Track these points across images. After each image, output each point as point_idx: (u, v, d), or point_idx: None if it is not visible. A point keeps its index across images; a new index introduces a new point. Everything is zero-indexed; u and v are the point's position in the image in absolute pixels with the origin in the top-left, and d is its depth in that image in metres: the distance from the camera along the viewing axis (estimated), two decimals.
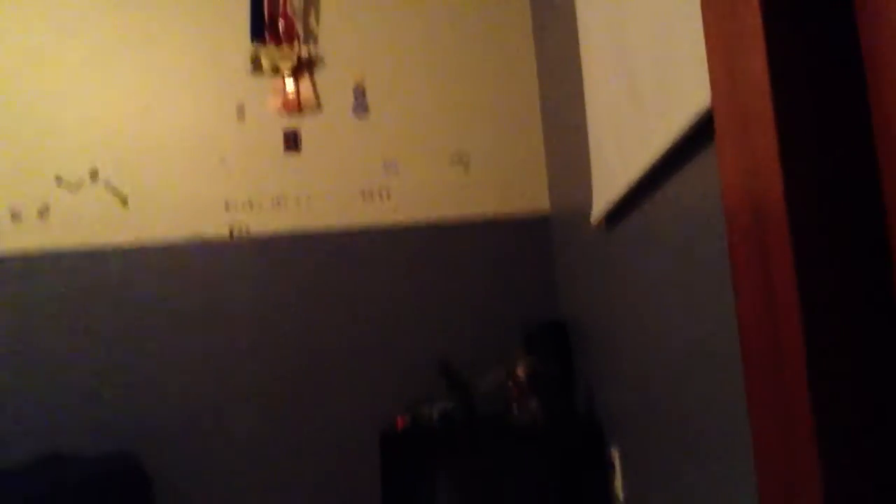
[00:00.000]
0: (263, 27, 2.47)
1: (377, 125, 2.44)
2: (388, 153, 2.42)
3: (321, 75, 2.48)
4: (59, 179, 2.45)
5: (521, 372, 1.80)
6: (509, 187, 2.39)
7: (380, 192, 2.40)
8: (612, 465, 1.61)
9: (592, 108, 1.49)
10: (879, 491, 0.56)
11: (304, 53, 2.46)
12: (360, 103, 2.45)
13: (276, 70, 2.46)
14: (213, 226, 2.41)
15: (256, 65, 2.48)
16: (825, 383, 0.56)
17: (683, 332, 1.04)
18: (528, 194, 2.38)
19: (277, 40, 2.47)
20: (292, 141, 2.44)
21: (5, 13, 2.55)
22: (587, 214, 1.74)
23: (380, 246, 2.37)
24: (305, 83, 2.46)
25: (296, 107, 2.45)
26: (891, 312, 0.57)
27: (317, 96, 2.46)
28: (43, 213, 2.44)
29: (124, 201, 2.44)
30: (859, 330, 0.57)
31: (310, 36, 2.50)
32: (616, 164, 1.30)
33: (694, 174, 0.96)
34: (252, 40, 2.48)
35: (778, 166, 0.58)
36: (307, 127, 2.45)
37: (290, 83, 2.46)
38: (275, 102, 2.46)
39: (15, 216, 2.44)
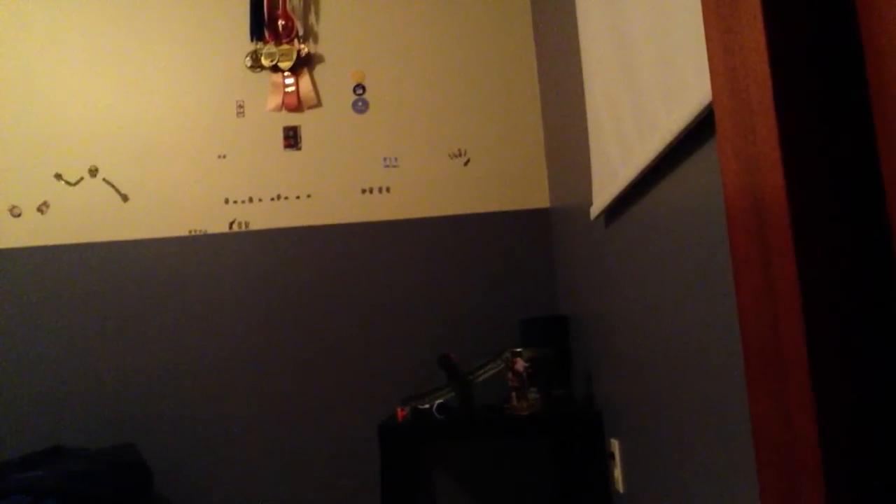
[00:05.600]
0: (263, 25, 2.47)
1: (377, 122, 2.44)
2: (387, 150, 2.43)
3: (321, 72, 2.48)
4: (58, 176, 2.46)
5: (520, 363, 1.81)
6: (509, 183, 2.39)
7: (380, 189, 2.41)
8: (612, 457, 1.62)
9: (592, 103, 1.49)
10: (882, 483, 0.56)
11: (304, 51, 2.47)
12: (360, 100, 2.45)
13: (275, 68, 2.47)
14: (213, 222, 2.41)
15: (256, 62, 2.48)
16: (827, 377, 0.57)
17: (684, 325, 1.05)
18: (528, 189, 2.39)
19: (277, 38, 2.48)
20: (292, 138, 2.45)
21: (4, 12, 2.54)
22: (587, 209, 1.75)
23: (379, 239, 2.38)
24: (305, 80, 2.46)
25: (295, 104, 2.45)
26: (893, 305, 0.57)
27: (317, 93, 2.47)
28: (43, 209, 2.44)
29: (124, 197, 2.44)
30: (861, 323, 0.57)
31: (309, 33, 2.50)
32: (616, 160, 1.31)
33: (694, 169, 0.97)
34: (252, 38, 2.48)
35: (779, 160, 0.59)
36: (307, 124, 2.45)
37: (289, 80, 2.46)
38: (274, 100, 2.46)
39: (15, 213, 2.44)
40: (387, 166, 2.42)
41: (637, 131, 1.16)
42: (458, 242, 2.37)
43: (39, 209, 2.45)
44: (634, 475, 1.45)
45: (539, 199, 2.38)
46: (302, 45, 2.48)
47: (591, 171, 1.55)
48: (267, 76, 2.48)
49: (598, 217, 1.55)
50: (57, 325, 2.38)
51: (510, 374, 1.85)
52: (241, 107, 2.47)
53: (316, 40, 2.50)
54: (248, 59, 2.49)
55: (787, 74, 0.59)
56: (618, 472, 1.58)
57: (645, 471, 1.36)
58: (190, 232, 2.41)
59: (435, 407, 1.82)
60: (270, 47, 2.47)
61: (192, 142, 2.46)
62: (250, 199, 2.42)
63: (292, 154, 2.44)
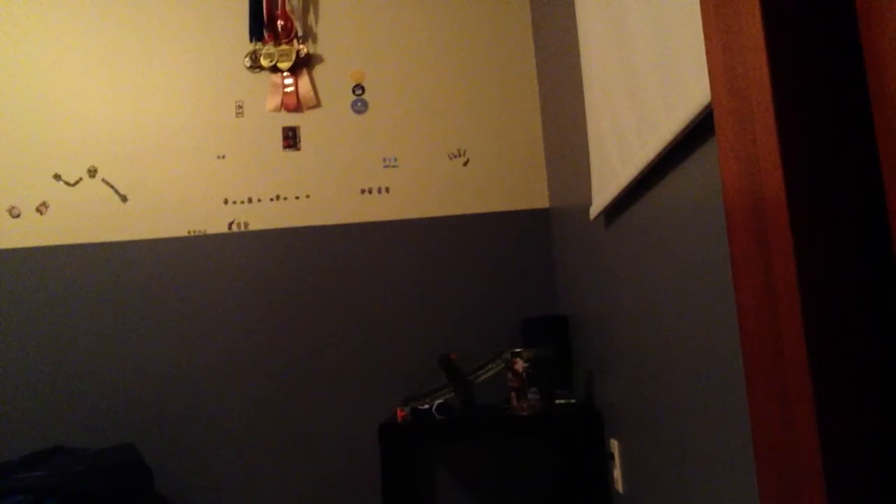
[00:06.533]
0: (262, 26, 2.47)
1: (376, 122, 2.44)
2: (387, 150, 2.43)
3: (320, 73, 2.48)
4: (57, 177, 2.46)
5: (519, 364, 1.81)
6: (508, 183, 2.39)
7: (379, 189, 2.41)
8: (612, 457, 1.62)
9: (591, 103, 1.49)
10: (882, 483, 0.56)
11: (303, 51, 2.47)
12: (360, 100, 2.45)
13: (274, 68, 2.47)
14: (213, 222, 2.41)
15: (255, 63, 2.48)
16: (827, 377, 0.57)
17: (684, 325, 1.05)
18: (528, 190, 2.39)
19: (276, 38, 2.48)
20: (291, 138, 2.45)
21: (3, 12, 2.54)
22: (586, 209, 1.75)
23: (379, 240, 2.38)
24: (304, 81, 2.46)
25: (295, 104, 2.45)
26: (893, 305, 0.57)
27: (316, 94, 2.47)
28: (42, 209, 2.44)
29: (123, 198, 2.44)
30: (861, 323, 0.57)
31: (308, 34, 2.50)
32: (615, 159, 1.31)
33: (694, 169, 0.97)
34: (251, 39, 2.48)
35: (778, 160, 0.59)
36: (306, 124, 2.45)
37: (288, 81, 2.46)
38: (274, 100, 2.46)
39: (14, 213, 2.44)
40: (386, 166, 2.42)
41: (636, 131, 1.16)
42: (457, 243, 2.37)
43: (38, 210, 2.45)
44: (634, 475, 1.45)
45: (538, 199, 2.38)
46: (301, 46, 2.48)
47: (591, 171, 1.54)
48: (266, 76, 2.48)
49: (597, 217, 1.55)
50: (56, 325, 2.38)
51: (510, 375, 1.85)
52: (240, 107, 2.47)
53: (315, 41, 2.50)
54: (247, 59, 2.49)
55: (786, 74, 0.59)
56: (617, 473, 1.58)
57: (645, 471, 1.36)
58: (189, 232, 2.41)
59: (434, 407, 1.82)
60: (269, 47, 2.47)
61: (191, 142, 2.46)
62: (249, 200, 2.42)
63: (291, 154, 2.44)
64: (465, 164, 2.41)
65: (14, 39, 2.53)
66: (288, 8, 2.49)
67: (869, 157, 0.58)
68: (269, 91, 2.47)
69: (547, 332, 2.06)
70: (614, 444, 1.60)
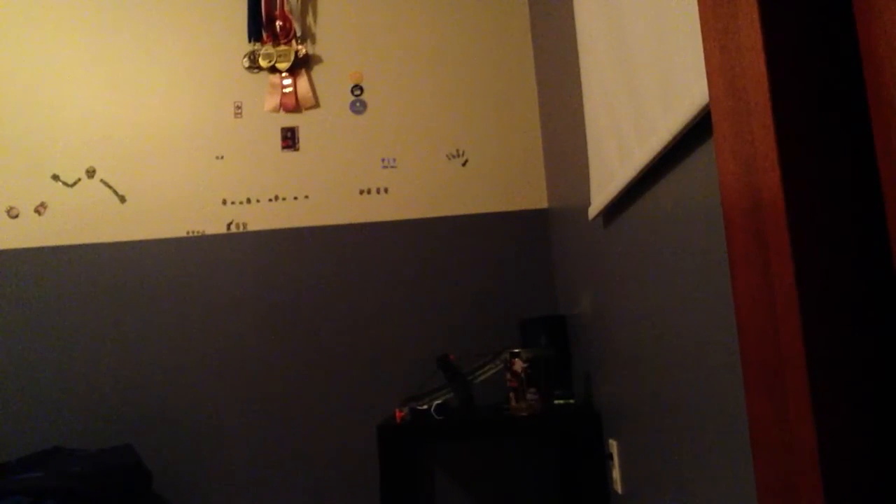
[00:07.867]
0: (261, 26, 2.47)
1: (375, 122, 2.44)
2: (385, 150, 2.43)
3: (319, 73, 2.48)
4: (56, 178, 2.46)
5: (518, 364, 1.81)
6: (507, 183, 2.39)
7: (378, 190, 2.41)
8: (611, 457, 1.62)
9: (590, 103, 1.49)
10: (880, 483, 0.56)
11: (302, 52, 2.47)
12: (358, 101, 2.45)
13: (273, 68, 2.46)
14: (211, 223, 2.41)
15: (254, 63, 2.48)
16: (824, 377, 0.57)
17: (683, 326, 1.05)
18: (526, 190, 2.39)
19: (275, 39, 2.48)
20: (290, 138, 2.45)
21: (2, 12, 2.54)
22: (585, 209, 1.75)
23: (378, 240, 2.38)
24: (303, 81, 2.46)
25: (293, 105, 2.45)
26: (891, 305, 0.57)
27: (314, 94, 2.47)
28: (40, 210, 2.44)
29: (122, 198, 2.44)
30: (859, 323, 0.57)
31: (307, 34, 2.50)
32: (614, 160, 1.31)
33: (692, 169, 0.97)
34: (250, 39, 2.48)
35: (776, 160, 0.59)
36: (305, 124, 2.45)
37: (287, 81, 2.46)
38: (272, 100, 2.46)
39: (12, 214, 2.44)
40: (385, 167, 2.42)
41: (635, 131, 1.16)
42: (456, 243, 2.37)
43: (37, 210, 2.45)
44: (633, 476, 1.45)
45: (537, 199, 2.38)
46: (300, 46, 2.48)
47: (590, 171, 1.55)
48: (265, 77, 2.48)
49: (596, 217, 1.55)
50: (55, 326, 2.37)
51: (508, 375, 1.85)
52: (238, 108, 2.47)
53: (314, 41, 2.50)
54: (245, 59, 2.49)
55: (784, 74, 0.59)
56: (616, 473, 1.58)
57: (643, 472, 1.36)
58: (188, 233, 2.41)
59: (433, 408, 1.82)
60: (268, 48, 2.47)
61: (189, 143, 2.46)
62: (248, 200, 2.42)
63: (290, 155, 2.44)
64: (464, 164, 2.41)
65: (12, 40, 2.53)
66: (286, 8, 2.49)
67: (867, 157, 0.58)
68: (267, 91, 2.47)
69: (546, 333, 2.06)
70: (613, 445, 1.60)
